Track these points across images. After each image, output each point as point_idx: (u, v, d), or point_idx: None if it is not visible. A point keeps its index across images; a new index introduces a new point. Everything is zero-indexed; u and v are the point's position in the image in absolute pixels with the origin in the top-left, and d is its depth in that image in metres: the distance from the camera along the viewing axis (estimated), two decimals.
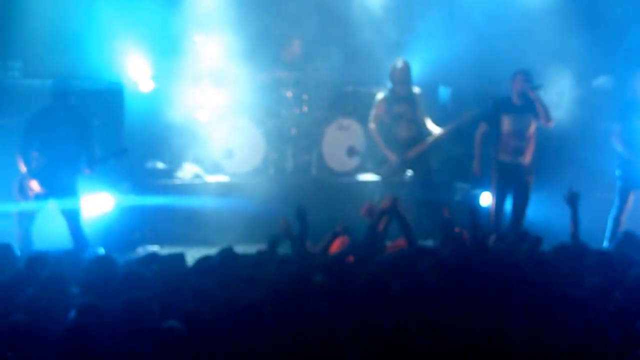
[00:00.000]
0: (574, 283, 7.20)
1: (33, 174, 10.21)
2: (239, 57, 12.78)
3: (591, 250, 8.39)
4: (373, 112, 11.60)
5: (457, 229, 9.03)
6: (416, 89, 11.53)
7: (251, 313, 6.54)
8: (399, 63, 11.49)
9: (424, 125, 11.56)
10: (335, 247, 8.73)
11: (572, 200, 9.01)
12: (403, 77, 11.44)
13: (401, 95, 11.47)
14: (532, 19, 12.78)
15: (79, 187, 10.43)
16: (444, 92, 13.06)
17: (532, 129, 11.07)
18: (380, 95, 11.59)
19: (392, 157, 11.47)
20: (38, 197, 10.26)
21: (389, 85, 11.56)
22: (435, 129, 11.51)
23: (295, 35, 13.06)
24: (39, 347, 6.24)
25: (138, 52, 12.84)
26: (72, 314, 6.56)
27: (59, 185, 10.28)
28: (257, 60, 12.91)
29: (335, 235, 8.80)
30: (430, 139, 11.51)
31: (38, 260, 7.77)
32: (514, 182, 11.10)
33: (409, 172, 11.73)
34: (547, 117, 10.94)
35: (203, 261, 7.93)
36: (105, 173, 11.36)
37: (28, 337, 6.25)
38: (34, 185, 10.21)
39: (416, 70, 11.74)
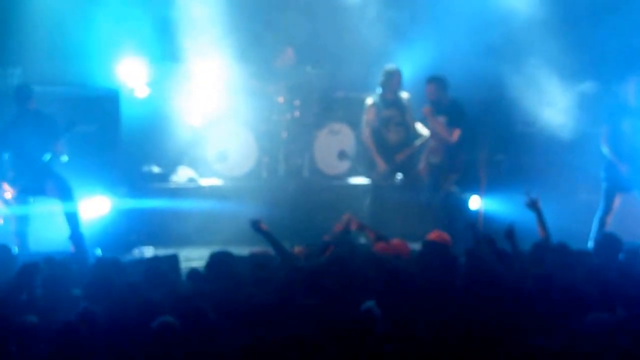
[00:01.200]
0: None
1: (5, 178, 10.56)
2: (232, 63, 12.97)
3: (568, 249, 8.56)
4: (364, 118, 11.81)
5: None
6: (404, 94, 11.76)
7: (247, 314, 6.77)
8: (390, 68, 11.71)
9: (413, 129, 11.80)
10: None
11: (533, 206, 9.11)
12: (393, 83, 11.65)
13: (390, 99, 11.69)
14: (521, 26, 12.97)
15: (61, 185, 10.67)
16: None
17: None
18: (369, 101, 11.81)
19: (382, 165, 11.70)
20: (17, 198, 10.58)
21: (378, 90, 11.79)
22: (424, 131, 11.75)
23: (287, 43, 13.26)
24: (41, 344, 6.45)
25: (134, 58, 12.97)
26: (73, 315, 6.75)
27: (33, 185, 10.61)
28: (250, 66, 13.10)
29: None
30: (417, 143, 11.74)
31: (31, 267, 7.85)
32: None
33: (399, 176, 11.98)
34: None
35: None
36: (102, 177, 11.63)
37: (33, 336, 6.45)
38: (7, 188, 10.53)
39: (406, 75, 11.94)
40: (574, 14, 13.18)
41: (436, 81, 11.46)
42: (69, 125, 10.72)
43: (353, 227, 9.09)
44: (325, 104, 13.43)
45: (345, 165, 13.22)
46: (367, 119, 11.76)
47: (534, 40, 12.93)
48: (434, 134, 11.45)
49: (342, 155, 13.18)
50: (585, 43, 12.95)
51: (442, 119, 11.42)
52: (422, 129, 11.76)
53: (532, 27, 12.94)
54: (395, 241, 9.14)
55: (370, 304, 6.61)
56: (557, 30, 12.91)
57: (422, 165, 11.71)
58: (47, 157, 10.60)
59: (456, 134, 11.20)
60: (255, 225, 8.73)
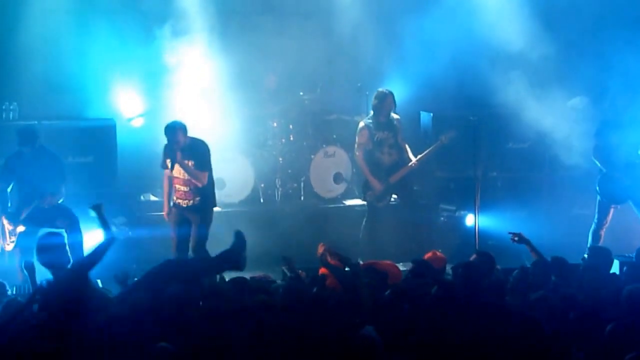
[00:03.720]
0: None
1: (4, 212, 10.73)
2: (226, 90, 13.12)
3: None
4: (357, 141, 11.93)
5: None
6: (396, 116, 11.90)
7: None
8: (383, 92, 11.85)
9: (405, 150, 11.92)
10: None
11: (521, 239, 9.31)
12: (386, 106, 11.78)
13: (382, 122, 11.82)
14: (510, 43, 13.11)
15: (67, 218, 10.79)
16: (425, 117, 13.37)
17: None
18: (362, 124, 11.92)
19: (378, 185, 11.82)
20: (21, 234, 10.74)
21: (371, 112, 11.93)
22: (412, 155, 11.88)
23: (279, 67, 13.41)
24: None
25: (129, 89, 13.13)
26: None
27: (39, 216, 10.72)
28: (243, 93, 13.23)
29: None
30: (411, 163, 11.85)
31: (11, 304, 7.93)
32: None
33: (394, 196, 12.09)
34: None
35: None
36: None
37: None
38: (5, 222, 10.68)
39: (398, 96, 12.06)
40: (565, 32, 13.35)
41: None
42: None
43: (329, 259, 9.04)
44: (319, 127, 13.55)
45: (341, 187, 13.34)
46: (360, 141, 11.87)
47: (526, 56, 13.08)
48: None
49: (337, 177, 13.30)
50: (576, 59, 13.12)
51: None
52: (410, 152, 11.88)
53: (523, 44, 13.09)
54: (386, 263, 9.18)
55: (369, 328, 6.69)
56: (548, 46, 13.07)
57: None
58: (57, 196, 10.76)
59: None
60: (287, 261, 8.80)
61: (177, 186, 10.68)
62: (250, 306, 7.40)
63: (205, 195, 10.69)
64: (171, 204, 10.82)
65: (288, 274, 8.84)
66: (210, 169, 10.69)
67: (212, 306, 7.43)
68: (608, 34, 13.01)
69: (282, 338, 6.88)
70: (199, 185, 10.58)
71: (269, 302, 7.55)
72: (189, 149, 10.58)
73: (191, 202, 10.67)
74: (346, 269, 8.53)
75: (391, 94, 11.82)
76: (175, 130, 10.51)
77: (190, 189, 10.63)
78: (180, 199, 10.70)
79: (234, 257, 8.56)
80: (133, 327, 6.96)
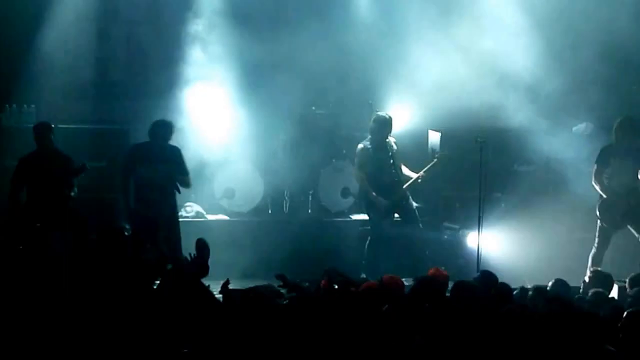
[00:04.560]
0: None
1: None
2: (238, 102, 13.28)
3: None
4: (358, 162, 12.10)
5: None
6: (391, 138, 12.11)
7: None
8: (382, 117, 12.06)
9: (401, 171, 12.12)
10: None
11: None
12: (385, 130, 11.99)
13: (380, 144, 12.03)
14: (514, 66, 13.30)
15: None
16: (433, 136, 13.51)
17: None
18: (361, 146, 12.09)
19: (383, 201, 12.01)
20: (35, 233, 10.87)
21: (368, 136, 12.13)
22: (409, 173, 12.07)
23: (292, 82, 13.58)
24: None
25: (142, 95, 13.32)
26: None
27: (51, 219, 10.91)
28: (255, 105, 13.36)
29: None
30: (412, 181, 12.03)
31: None
32: None
33: (397, 215, 12.28)
34: None
35: None
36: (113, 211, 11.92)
37: None
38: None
39: (407, 114, 12.25)
40: (575, 54, 13.50)
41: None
42: (79, 169, 11.07)
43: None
44: (329, 142, 13.70)
45: (348, 202, 13.50)
46: (360, 162, 12.05)
47: (533, 80, 13.26)
48: None
49: (345, 192, 13.47)
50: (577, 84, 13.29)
51: None
52: (407, 170, 12.07)
53: (530, 66, 13.26)
54: (386, 278, 9.28)
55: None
56: (557, 69, 13.25)
57: None
58: (67, 193, 10.99)
59: None
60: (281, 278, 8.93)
61: None
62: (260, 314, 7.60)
63: None
64: None
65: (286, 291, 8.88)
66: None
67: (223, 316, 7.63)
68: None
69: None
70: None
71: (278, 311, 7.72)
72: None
73: None
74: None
75: (390, 118, 12.02)
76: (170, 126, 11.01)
77: None
78: None
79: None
80: None
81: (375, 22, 13.81)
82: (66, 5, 13.14)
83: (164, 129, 11.27)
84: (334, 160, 13.54)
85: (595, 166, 11.55)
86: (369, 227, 12.24)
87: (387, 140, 12.04)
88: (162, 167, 11.19)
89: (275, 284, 8.67)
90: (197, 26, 13.21)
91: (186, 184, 11.42)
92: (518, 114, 12.92)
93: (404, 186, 11.98)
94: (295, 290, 8.48)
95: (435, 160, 12.05)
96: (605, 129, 12.26)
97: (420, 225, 12.17)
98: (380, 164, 11.99)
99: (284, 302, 8.10)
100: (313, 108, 13.75)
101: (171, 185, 11.26)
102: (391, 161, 12.01)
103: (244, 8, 13.67)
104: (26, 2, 13.15)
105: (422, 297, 8.05)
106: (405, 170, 12.08)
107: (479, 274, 9.05)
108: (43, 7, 13.08)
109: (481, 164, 11.57)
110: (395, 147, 12.06)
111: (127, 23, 13.39)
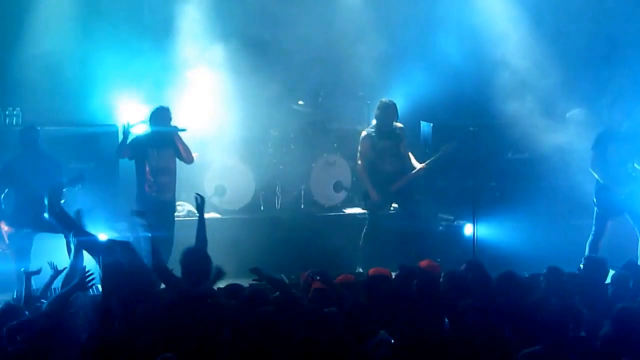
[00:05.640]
0: None
1: (3, 216, 10.82)
2: (227, 98, 13.19)
3: None
4: (359, 150, 12.01)
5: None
6: (399, 125, 11.97)
7: None
8: (386, 101, 11.93)
9: (408, 159, 12.00)
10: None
11: None
12: (389, 115, 11.86)
13: (385, 131, 11.89)
14: (508, 54, 13.22)
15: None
16: (425, 127, 13.44)
17: None
18: (364, 133, 12.00)
19: (376, 197, 11.88)
20: (18, 235, 10.82)
21: (373, 122, 12.01)
22: (416, 163, 11.96)
23: (282, 76, 13.49)
24: None
25: (131, 96, 13.18)
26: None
27: (36, 221, 10.75)
28: (244, 101, 13.28)
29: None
30: (411, 173, 11.93)
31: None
32: None
33: (394, 205, 12.16)
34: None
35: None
36: (102, 213, 11.78)
37: None
38: (3, 226, 10.76)
39: (398, 106, 12.10)
40: (565, 43, 13.45)
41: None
42: (74, 180, 10.93)
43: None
44: (320, 136, 13.62)
45: (341, 196, 13.41)
46: (362, 150, 11.95)
47: (525, 68, 13.16)
48: None
49: (337, 186, 13.37)
50: (574, 70, 13.22)
51: None
52: (414, 161, 11.95)
53: (522, 55, 13.19)
54: (372, 271, 9.12)
55: (381, 333, 6.75)
56: (548, 58, 13.16)
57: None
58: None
59: None
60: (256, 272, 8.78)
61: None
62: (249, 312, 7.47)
63: None
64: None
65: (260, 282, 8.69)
66: None
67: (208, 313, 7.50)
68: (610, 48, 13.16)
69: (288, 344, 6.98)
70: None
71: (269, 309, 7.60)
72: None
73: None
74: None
75: (393, 103, 11.89)
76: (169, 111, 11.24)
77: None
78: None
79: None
80: None
81: (366, 12, 13.78)
82: (48, 6, 13.01)
83: (164, 114, 11.40)
84: (325, 154, 13.42)
85: (592, 152, 11.47)
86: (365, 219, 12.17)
87: (393, 126, 11.90)
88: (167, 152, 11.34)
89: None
90: (181, 34, 13.19)
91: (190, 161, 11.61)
92: (511, 102, 12.80)
93: (403, 179, 11.86)
94: (271, 283, 8.35)
95: (439, 152, 11.95)
96: (598, 116, 12.25)
97: (417, 216, 12.05)
98: (383, 151, 11.87)
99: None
100: (301, 102, 13.64)
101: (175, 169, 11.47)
102: (395, 149, 11.88)
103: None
104: (9, 2, 13.02)
105: (408, 286, 8.00)
106: (413, 161, 11.96)
107: (464, 264, 8.90)
108: (25, 8, 12.93)
109: (474, 153, 11.51)
110: (402, 134, 11.93)
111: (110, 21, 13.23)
